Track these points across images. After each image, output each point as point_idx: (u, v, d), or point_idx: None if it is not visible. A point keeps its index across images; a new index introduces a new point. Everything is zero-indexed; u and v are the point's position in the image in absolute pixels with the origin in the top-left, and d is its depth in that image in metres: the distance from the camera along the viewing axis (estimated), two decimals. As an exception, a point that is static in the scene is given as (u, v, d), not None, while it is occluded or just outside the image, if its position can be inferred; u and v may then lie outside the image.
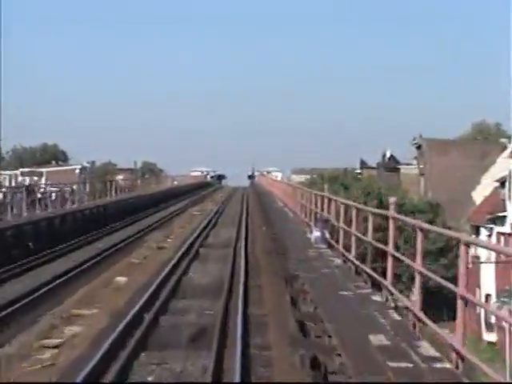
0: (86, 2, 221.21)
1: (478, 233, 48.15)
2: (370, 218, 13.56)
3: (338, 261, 15.11)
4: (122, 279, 19.08)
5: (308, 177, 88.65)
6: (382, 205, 53.60)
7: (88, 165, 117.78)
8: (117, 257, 24.00)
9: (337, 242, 16.85)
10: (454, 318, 9.32)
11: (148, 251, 25.72)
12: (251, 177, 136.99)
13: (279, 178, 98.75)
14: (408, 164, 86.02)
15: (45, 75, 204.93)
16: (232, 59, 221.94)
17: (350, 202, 17.49)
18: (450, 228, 41.08)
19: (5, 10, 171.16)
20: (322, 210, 20.69)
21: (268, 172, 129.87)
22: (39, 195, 36.91)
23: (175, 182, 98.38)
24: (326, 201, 20.65)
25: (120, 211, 42.24)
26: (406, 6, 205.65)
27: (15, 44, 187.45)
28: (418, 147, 63.00)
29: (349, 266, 14.18)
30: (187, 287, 17.50)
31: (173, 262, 21.31)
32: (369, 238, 13.34)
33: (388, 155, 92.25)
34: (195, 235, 29.87)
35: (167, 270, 19.64)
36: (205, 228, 33.87)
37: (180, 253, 23.58)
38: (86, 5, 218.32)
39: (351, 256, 14.31)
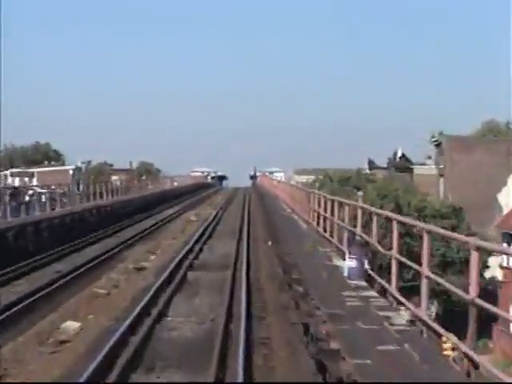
0: (86, 2, 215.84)
1: (512, 241, 42.46)
2: (475, 256, 7.80)
3: (400, 320, 9.24)
4: (71, 326, 13.42)
5: (311, 177, 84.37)
6: (400, 209, 48.34)
7: (83, 165, 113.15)
8: (79, 284, 18.30)
9: (388, 280, 11.08)
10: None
11: (122, 275, 20.03)
12: (253, 177, 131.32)
13: (282, 179, 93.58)
14: (422, 164, 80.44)
15: (44, 75, 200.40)
16: (233, 59, 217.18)
17: (418, 223, 11.84)
18: (475, 235, 36.18)
19: (5, 10, 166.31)
20: (355, 226, 14.93)
21: (270, 172, 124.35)
22: (27, 198, 33.58)
23: (175, 183, 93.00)
24: (359, 213, 14.93)
25: (104, 217, 36.69)
26: (410, 5, 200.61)
27: (15, 44, 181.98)
28: (437, 145, 57.09)
29: (421, 330, 8.45)
30: (160, 345, 11.80)
31: (149, 294, 15.66)
32: (471, 294, 7.58)
33: (399, 154, 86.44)
34: (186, 250, 24.26)
35: (139, 308, 14.02)
36: (199, 239, 28.22)
37: (162, 278, 17.94)
38: (87, 5, 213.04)
39: (423, 313, 8.57)
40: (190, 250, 24.46)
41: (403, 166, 79.91)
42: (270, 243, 22.99)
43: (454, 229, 43.36)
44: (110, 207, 39.80)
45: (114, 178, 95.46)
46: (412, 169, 76.05)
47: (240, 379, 9.03)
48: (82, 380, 9.21)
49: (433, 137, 57.82)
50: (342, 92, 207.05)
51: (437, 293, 34.54)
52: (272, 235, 25.20)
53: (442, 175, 55.71)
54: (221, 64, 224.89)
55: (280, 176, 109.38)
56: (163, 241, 29.11)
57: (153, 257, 24.19)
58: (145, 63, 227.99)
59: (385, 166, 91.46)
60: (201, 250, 25.28)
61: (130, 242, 28.06)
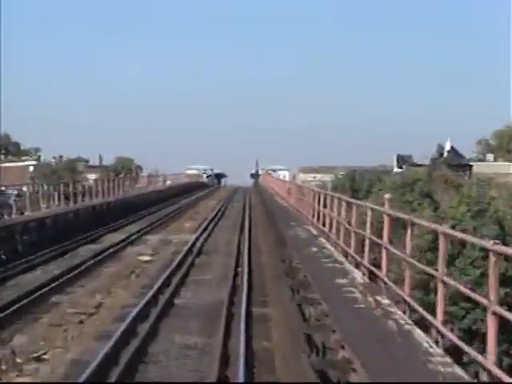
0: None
1: None
2: None
3: None
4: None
5: (318, 176, 73.10)
6: (504, 233, 29.70)
7: (53, 160, 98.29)
8: None
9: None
10: None
11: None
12: (255, 175, 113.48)
13: (286, 178, 79.64)
14: (481, 160, 61.54)
15: (37, 74, 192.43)
16: (237, 58, 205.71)
17: None
18: None
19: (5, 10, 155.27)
20: None
21: (274, 170, 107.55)
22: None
23: (168, 182, 77.67)
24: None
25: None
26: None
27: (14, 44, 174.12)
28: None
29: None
30: None
31: None
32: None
33: (447, 148, 67.15)
34: None
35: None
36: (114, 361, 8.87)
37: None
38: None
39: None
40: None
41: (456, 162, 60.65)
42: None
43: None
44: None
45: (89, 175, 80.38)
46: (471, 166, 56.92)
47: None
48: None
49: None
50: (343, 92, 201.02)
51: None
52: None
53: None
54: (225, 61, 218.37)
55: (284, 174, 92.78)
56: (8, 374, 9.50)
57: None
58: (144, 63, 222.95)
59: (418, 162, 72.29)
60: None
61: None
